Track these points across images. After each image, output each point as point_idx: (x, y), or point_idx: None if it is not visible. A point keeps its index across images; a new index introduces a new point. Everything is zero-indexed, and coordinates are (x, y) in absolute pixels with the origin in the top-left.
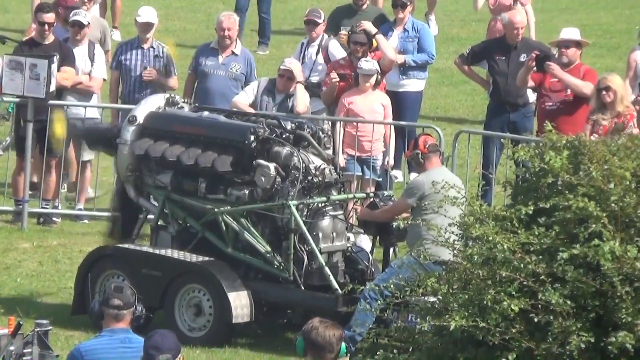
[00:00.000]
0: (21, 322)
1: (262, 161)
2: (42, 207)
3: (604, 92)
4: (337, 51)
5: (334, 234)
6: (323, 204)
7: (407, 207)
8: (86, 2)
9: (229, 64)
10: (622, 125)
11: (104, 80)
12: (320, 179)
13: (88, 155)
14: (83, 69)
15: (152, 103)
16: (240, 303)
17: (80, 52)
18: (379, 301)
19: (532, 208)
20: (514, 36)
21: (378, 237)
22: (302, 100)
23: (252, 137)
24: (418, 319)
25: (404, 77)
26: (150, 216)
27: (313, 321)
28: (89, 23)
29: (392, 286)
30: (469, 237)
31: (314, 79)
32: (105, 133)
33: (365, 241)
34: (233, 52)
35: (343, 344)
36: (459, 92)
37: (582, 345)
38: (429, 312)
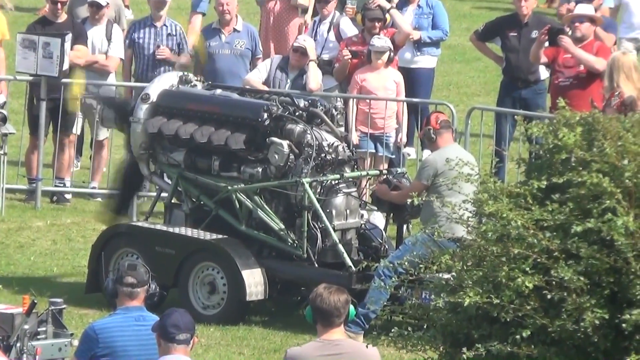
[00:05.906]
0: (35, 301)
1: (275, 139)
2: (56, 186)
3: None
4: (348, 28)
5: (348, 211)
6: (336, 182)
7: (422, 187)
8: None
9: (233, 42)
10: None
11: (121, 59)
12: (333, 156)
13: (103, 134)
14: (100, 49)
15: (165, 81)
16: (254, 281)
17: (98, 32)
18: (393, 278)
19: (544, 183)
20: (520, 9)
21: (391, 214)
22: (314, 78)
23: (266, 115)
24: (432, 296)
25: (418, 53)
26: (164, 194)
27: (318, 288)
28: (107, 3)
29: (406, 263)
30: (483, 213)
31: (325, 56)
32: (120, 105)
33: (378, 218)
34: (235, 29)
35: (351, 307)
36: (471, 68)
37: (597, 322)
38: (443, 289)
